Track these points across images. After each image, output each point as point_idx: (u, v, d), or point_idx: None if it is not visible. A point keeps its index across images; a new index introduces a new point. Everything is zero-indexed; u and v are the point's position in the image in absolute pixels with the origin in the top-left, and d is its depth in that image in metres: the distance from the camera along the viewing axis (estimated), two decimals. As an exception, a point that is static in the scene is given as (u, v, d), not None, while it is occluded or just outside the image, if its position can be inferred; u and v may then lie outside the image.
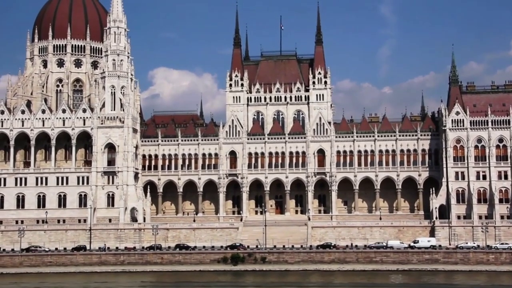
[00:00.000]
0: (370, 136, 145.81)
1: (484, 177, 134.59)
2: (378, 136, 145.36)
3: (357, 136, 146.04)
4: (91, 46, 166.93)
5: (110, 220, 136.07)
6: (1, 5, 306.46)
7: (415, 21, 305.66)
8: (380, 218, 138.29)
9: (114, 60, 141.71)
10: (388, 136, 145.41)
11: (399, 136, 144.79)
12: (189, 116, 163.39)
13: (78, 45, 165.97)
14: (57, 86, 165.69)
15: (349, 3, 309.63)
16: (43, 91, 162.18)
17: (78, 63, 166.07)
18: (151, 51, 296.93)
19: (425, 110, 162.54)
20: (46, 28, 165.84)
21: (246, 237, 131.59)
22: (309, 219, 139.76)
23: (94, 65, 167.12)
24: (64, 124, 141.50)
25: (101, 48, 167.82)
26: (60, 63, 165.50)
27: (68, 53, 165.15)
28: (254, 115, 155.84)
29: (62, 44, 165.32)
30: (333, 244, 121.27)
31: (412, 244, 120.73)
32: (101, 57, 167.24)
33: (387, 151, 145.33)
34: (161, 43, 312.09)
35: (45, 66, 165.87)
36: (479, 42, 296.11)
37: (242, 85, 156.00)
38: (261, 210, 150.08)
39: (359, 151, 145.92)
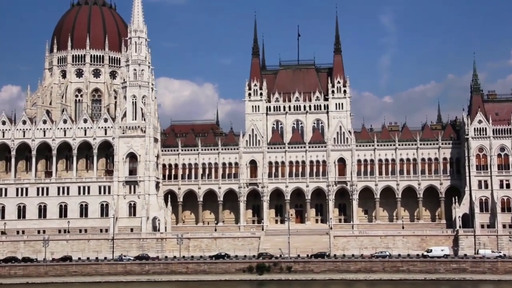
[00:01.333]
0: (390, 145, 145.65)
1: (508, 186, 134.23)
2: (399, 144, 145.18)
3: (377, 145, 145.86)
4: (109, 56, 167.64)
5: (131, 230, 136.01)
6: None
7: (415, 31, 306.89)
8: (403, 227, 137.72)
9: (135, 70, 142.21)
10: (409, 144, 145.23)
11: (420, 144, 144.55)
12: (208, 126, 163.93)
13: (97, 55, 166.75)
14: (76, 96, 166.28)
15: (349, 13, 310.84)
16: (62, 101, 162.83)
17: (96, 73, 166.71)
18: (152, 60, 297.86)
19: (441, 119, 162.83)
20: (65, 38, 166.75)
21: (269, 246, 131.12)
22: (330, 228, 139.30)
23: (113, 75, 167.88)
24: (85, 134, 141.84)
25: (119, 58, 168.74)
26: (79, 73, 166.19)
27: (87, 63, 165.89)
28: (273, 124, 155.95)
29: (81, 54, 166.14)
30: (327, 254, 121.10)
31: (425, 253, 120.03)
32: (119, 67, 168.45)
33: (408, 159, 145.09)
34: (162, 53, 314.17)
35: (64, 76, 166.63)
36: (480, 51, 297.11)
37: (261, 94, 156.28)
38: (281, 219, 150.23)
39: (380, 160, 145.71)
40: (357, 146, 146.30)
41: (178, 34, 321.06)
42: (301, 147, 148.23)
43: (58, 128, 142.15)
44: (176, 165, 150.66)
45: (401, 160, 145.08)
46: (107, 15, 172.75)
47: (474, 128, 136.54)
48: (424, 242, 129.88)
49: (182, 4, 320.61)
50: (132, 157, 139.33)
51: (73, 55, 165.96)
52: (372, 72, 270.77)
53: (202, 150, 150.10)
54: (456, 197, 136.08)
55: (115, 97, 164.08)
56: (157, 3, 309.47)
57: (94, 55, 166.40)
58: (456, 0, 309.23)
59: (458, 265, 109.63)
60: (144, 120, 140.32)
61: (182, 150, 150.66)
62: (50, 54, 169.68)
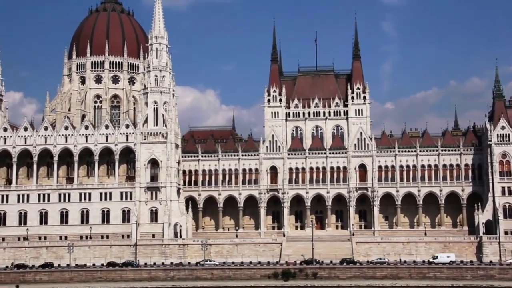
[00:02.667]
0: (412, 151, 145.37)
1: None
2: (420, 151, 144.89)
3: (399, 151, 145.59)
4: (128, 62, 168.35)
5: (153, 236, 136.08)
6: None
7: (416, 37, 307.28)
8: (425, 234, 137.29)
9: (156, 76, 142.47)
10: (430, 151, 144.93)
11: (442, 151, 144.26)
12: (226, 132, 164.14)
13: (116, 62, 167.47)
14: (95, 102, 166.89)
15: (350, 20, 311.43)
16: (81, 107, 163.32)
17: (115, 79, 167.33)
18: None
19: (458, 125, 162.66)
20: (84, 45, 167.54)
21: (291, 253, 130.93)
22: (353, 234, 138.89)
23: (131, 81, 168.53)
24: (107, 140, 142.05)
25: (137, 64, 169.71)
26: (98, 80, 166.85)
27: (106, 70, 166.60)
28: (293, 130, 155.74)
29: (100, 61, 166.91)
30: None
31: (431, 259, 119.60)
32: (137, 73, 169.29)
33: (429, 166, 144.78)
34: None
35: (83, 82, 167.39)
36: (482, 57, 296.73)
37: (280, 100, 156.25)
38: (301, 225, 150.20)
39: (401, 166, 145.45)
40: (378, 152, 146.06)
41: (180, 40, 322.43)
42: (321, 153, 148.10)
43: (80, 134, 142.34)
44: (196, 171, 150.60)
45: (422, 166, 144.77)
46: (126, 22, 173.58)
47: (497, 134, 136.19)
48: (447, 248, 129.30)
49: (185, 11, 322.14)
50: (154, 163, 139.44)
51: (92, 62, 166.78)
52: (374, 79, 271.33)
53: (222, 156, 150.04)
54: (480, 204, 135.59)
55: (134, 103, 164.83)
56: (151, 9, 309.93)
57: (113, 62, 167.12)
58: (458, 7, 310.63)
59: (486, 272, 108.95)
60: (166, 126, 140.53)
61: (202, 156, 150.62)
62: (68, 61, 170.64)
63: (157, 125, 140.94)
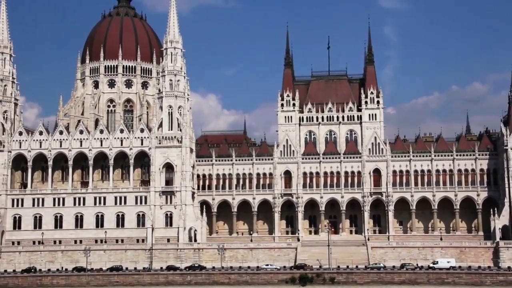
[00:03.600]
0: (426, 156, 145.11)
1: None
2: (435, 155, 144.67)
3: (413, 156, 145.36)
4: (141, 67, 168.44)
5: (168, 240, 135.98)
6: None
7: (418, 42, 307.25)
8: (441, 239, 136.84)
9: (171, 80, 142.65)
10: (445, 155, 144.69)
11: (457, 155, 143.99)
12: (240, 136, 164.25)
13: (129, 66, 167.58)
14: (108, 106, 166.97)
15: (352, 25, 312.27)
16: (95, 111, 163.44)
17: (128, 84, 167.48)
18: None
19: (470, 129, 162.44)
20: (97, 49, 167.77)
21: (306, 257, 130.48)
22: (368, 239, 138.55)
23: (144, 85, 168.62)
24: (122, 144, 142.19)
25: (150, 68, 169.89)
26: (111, 84, 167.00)
27: (119, 74, 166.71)
28: (306, 135, 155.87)
29: (114, 65, 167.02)
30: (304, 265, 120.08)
31: (431, 265, 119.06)
32: (150, 78, 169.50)
33: (444, 170, 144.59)
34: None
35: (96, 86, 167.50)
36: (483, 62, 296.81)
37: (293, 104, 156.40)
38: (315, 230, 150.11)
39: (416, 171, 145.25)
40: (392, 156, 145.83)
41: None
42: (335, 158, 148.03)
43: (94, 138, 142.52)
44: (210, 176, 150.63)
45: (437, 171, 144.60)
46: (139, 26, 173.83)
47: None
48: (463, 254, 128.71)
49: (186, 15, 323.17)
50: (169, 167, 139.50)
51: (105, 66, 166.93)
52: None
53: (236, 160, 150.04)
54: (495, 209, 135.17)
55: (147, 108, 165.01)
56: (164, 13, 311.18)
57: (126, 66, 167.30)
58: (459, 12, 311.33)
59: (505, 277, 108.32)
60: (180, 130, 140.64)
61: (216, 160, 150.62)
62: (82, 65, 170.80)
63: (171, 129, 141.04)
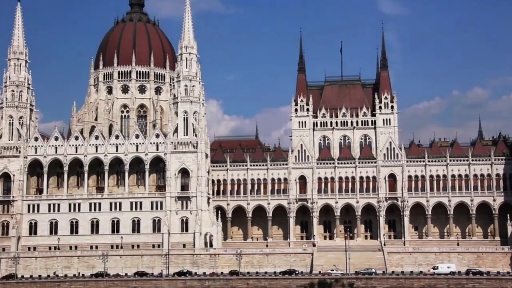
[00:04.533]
0: (442, 161, 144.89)
1: None
2: (450, 160, 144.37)
3: (428, 161, 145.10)
4: (154, 72, 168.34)
5: (184, 245, 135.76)
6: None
7: (419, 47, 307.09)
8: (458, 244, 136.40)
9: (186, 85, 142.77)
10: (460, 160, 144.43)
11: (472, 160, 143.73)
12: (253, 141, 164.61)
13: (142, 71, 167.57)
14: (122, 112, 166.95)
15: (354, 31, 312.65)
16: (109, 117, 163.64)
17: (142, 89, 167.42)
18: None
19: (482, 134, 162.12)
20: (111, 55, 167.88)
21: (322, 263, 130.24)
22: (384, 244, 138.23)
23: (158, 91, 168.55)
24: (137, 150, 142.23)
25: (163, 74, 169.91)
26: (125, 89, 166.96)
27: (133, 79, 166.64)
28: (320, 140, 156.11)
29: (127, 71, 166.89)
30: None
31: (431, 270, 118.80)
32: (163, 83, 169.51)
33: (459, 175, 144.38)
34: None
35: (109, 92, 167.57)
36: (484, 67, 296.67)
37: (307, 110, 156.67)
38: (329, 235, 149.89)
39: (431, 176, 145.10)
40: (407, 162, 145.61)
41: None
42: (350, 163, 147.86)
43: (110, 144, 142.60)
44: (224, 181, 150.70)
45: (453, 176, 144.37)
46: (152, 32, 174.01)
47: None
48: (480, 259, 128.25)
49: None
50: (184, 173, 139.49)
51: (119, 71, 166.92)
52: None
53: (250, 165, 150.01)
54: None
55: (161, 113, 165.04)
56: (167, 19, 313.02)
57: (139, 71, 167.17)
58: (460, 16, 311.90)
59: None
60: (196, 135, 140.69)
61: (230, 166, 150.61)
62: (95, 71, 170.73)
63: (187, 135, 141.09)
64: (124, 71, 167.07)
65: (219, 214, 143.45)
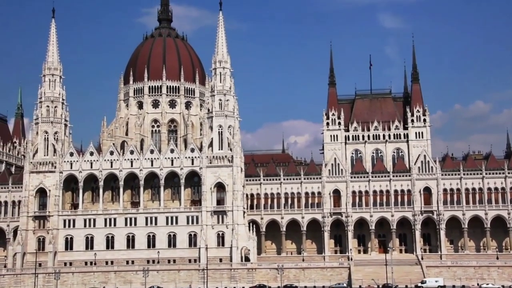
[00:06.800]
0: (477, 174, 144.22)
1: None
2: (486, 173, 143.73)
3: (464, 174, 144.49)
4: (184, 87, 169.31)
5: (220, 260, 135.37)
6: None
7: (420, 62, 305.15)
8: (497, 258, 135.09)
9: (220, 100, 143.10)
10: (496, 173, 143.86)
11: (509, 173, 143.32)
12: (284, 156, 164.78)
13: (173, 86, 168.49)
14: (152, 126, 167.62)
15: (355, 45, 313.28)
16: (140, 131, 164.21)
17: (172, 104, 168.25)
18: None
19: (510, 147, 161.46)
20: (141, 70, 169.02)
21: (360, 277, 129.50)
22: (421, 258, 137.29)
23: (188, 105, 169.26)
24: (172, 164, 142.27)
25: (193, 88, 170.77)
26: (155, 104, 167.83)
27: (163, 94, 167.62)
28: (352, 153, 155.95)
29: (157, 85, 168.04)
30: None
31: (419, 284, 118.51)
32: (193, 98, 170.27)
33: (496, 188, 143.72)
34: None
35: (140, 107, 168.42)
36: (486, 81, 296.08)
37: (339, 123, 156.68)
38: (364, 249, 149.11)
39: (467, 189, 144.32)
40: (442, 175, 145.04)
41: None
42: (385, 176, 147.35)
43: (145, 159, 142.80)
44: (258, 195, 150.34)
45: (489, 189, 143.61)
46: (181, 47, 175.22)
47: None
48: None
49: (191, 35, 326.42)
50: (220, 187, 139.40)
51: (149, 86, 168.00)
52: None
53: (284, 179, 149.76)
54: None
55: (192, 127, 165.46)
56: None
57: (170, 86, 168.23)
58: (461, 30, 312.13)
59: None
60: (231, 149, 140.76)
61: (264, 180, 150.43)
62: (124, 86, 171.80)
63: (222, 149, 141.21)
64: (155, 86, 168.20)
65: (253, 228, 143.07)
